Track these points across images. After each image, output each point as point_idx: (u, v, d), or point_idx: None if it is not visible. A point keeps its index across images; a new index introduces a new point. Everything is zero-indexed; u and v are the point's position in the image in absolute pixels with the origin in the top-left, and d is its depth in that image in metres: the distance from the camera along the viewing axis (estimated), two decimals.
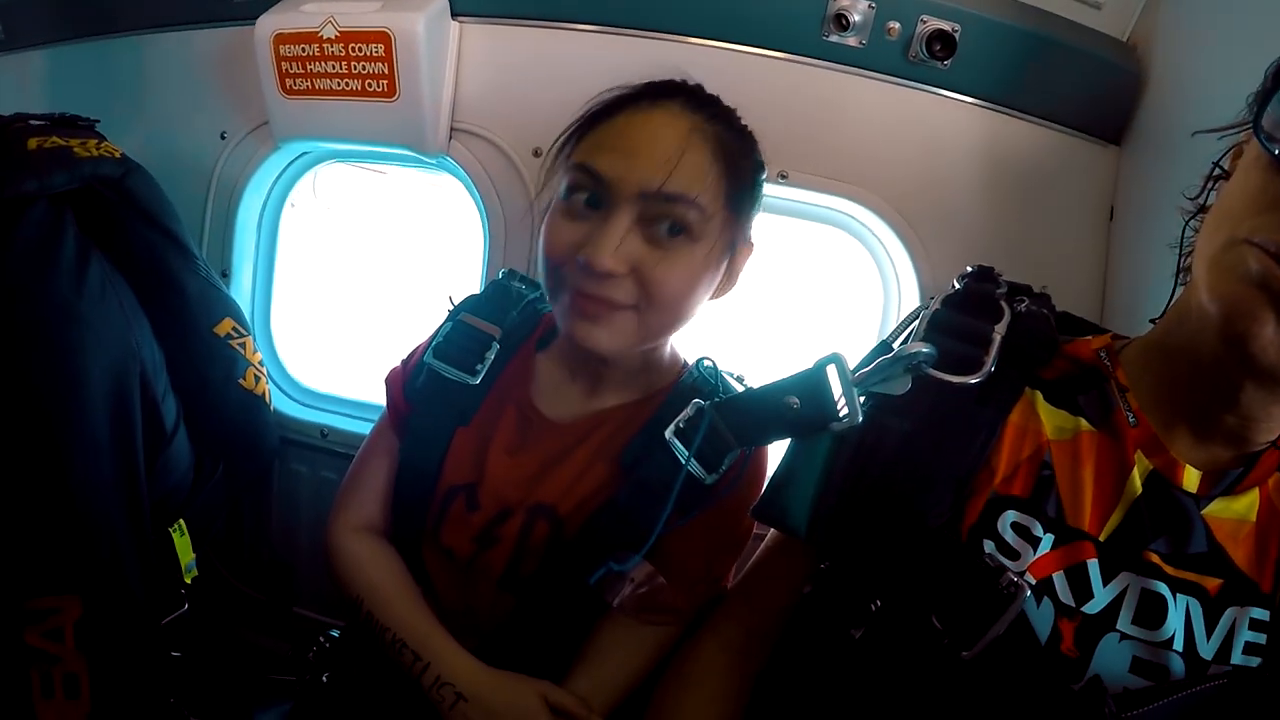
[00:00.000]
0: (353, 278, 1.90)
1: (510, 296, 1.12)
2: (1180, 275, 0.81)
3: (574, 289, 0.88)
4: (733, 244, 0.95)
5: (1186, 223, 0.78)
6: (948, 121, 1.28)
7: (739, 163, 0.92)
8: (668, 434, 0.93)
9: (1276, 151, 0.60)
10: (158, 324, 1.17)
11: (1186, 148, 0.83)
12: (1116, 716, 0.66)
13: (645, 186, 0.85)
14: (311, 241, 1.76)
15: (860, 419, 0.78)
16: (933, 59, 1.23)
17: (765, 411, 0.85)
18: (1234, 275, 0.60)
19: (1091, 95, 1.27)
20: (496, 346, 1.05)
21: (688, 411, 0.93)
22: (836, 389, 0.79)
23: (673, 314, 0.92)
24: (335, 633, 1.17)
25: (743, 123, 0.96)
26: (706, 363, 1.04)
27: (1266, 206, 0.60)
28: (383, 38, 1.28)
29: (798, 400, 0.81)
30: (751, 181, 0.95)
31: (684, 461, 0.92)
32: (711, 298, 0.97)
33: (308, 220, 1.74)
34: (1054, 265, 1.29)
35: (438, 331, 1.09)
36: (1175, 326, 0.75)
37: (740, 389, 1.04)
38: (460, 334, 1.07)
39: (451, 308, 1.11)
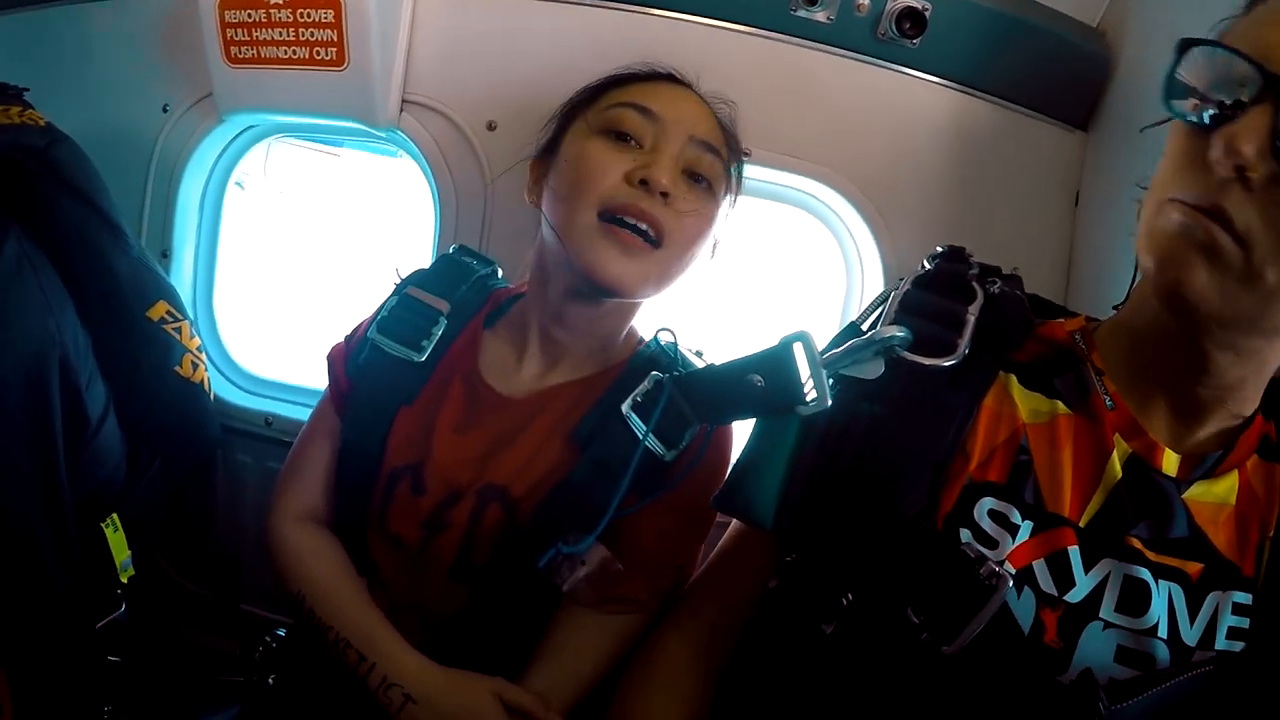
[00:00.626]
0: (303, 261, 1.81)
1: (460, 271, 1.06)
2: None
3: (620, 206, 0.87)
4: (721, 215, 0.98)
5: (1140, 205, 0.76)
6: (915, 102, 1.24)
7: (735, 146, 0.99)
8: (625, 408, 0.90)
9: (1190, 118, 0.60)
10: (84, 307, 1.08)
11: (1152, 135, 0.80)
12: (1109, 709, 0.62)
13: (695, 132, 0.91)
14: (261, 224, 1.67)
15: (829, 403, 0.73)
16: (902, 37, 1.19)
17: (727, 389, 0.79)
18: (1162, 232, 0.60)
19: (1060, 80, 1.24)
20: (444, 321, 0.99)
21: (645, 384, 0.91)
22: (804, 370, 0.74)
23: (687, 259, 0.94)
24: (283, 631, 1.09)
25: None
26: (665, 336, 0.99)
27: (1185, 166, 0.60)
28: (332, 3, 1.20)
29: (761, 379, 0.76)
30: (740, 167, 1.00)
31: (641, 437, 0.88)
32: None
33: (258, 202, 1.65)
34: (1019, 249, 1.26)
35: (383, 306, 1.02)
36: (1140, 306, 0.73)
37: (700, 364, 0.98)
38: (406, 308, 1.00)
39: (398, 281, 1.04)
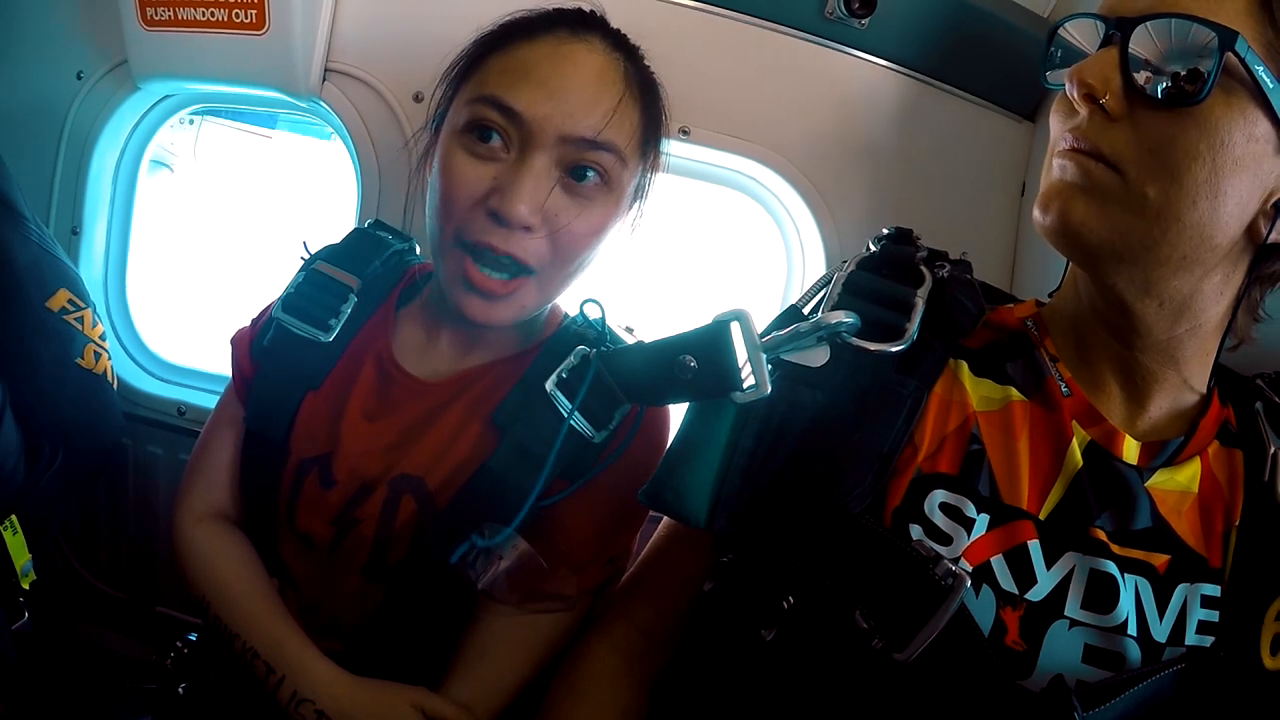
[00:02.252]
0: (231, 244, 1.67)
1: (373, 245, 0.94)
2: None
3: (475, 243, 0.75)
4: (639, 194, 0.84)
5: None
6: (862, 84, 1.16)
7: (653, 108, 0.82)
8: (549, 385, 0.79)
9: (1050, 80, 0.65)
10: None
11: None
12: (1084, 718, 0.54)
13: (569, 130, 0.73)
14: (189, 207, 1.53)
15: (769, 390, 0.64)
16: (851, 17, 1.10)
17: (657, 369, 0.69)
18: (1046, 183, 0.62)
19: (1009, 69, 1.17)
20: (354, 299, 0.88)
21: (571, 359, 0.81)
22: (740, 352, 0.65)
23: (576, 269, 0.81)
24: (194, 635, 0.97)
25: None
26: (591, 309, 0.87)
27: (1058, 124, 0.63)
28: None
29: (694, 360, 0.66)
30: (660, 129, 0.84)
31: (567, 415, 0.78)
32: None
33: (185, 184, 1.51)
34: (963, 237, 1.16)
35: (290, 283, 0.90)
36: (1071, 284, 0.71)
37: (630, 340, 0.87)
38: (313, 285, 0.89)
39: (305, 256, 0.93)
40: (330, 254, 0.92)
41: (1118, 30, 0.57)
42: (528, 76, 0.73)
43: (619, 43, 0.80)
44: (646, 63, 0.82)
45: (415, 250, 0.99)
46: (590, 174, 0.76)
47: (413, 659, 0.82)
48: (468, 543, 0.76)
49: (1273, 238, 0.60)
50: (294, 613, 0.84)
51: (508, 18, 0.79)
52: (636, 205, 0.85)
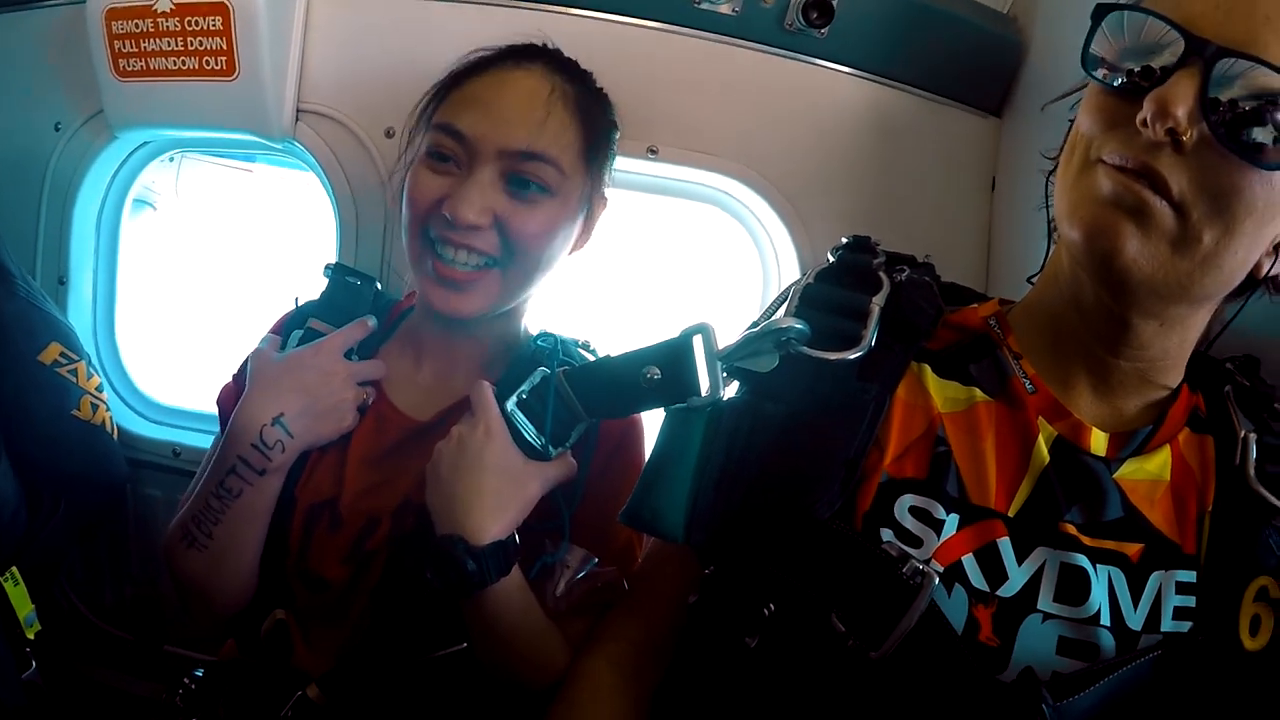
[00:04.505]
0: (215, 281, 1.70)
1: (352, 294, 1.00)
2: (1054, 234, 0.74)
3: (439, 240, 0.85)
4: (589, 198, 0.93)
5: (1047, 178, 0.72)
6: (826, 92, 1.19)
7: (596, 121, 0.91)
8: (509, 406, 0.83)
9: (1102, 75, 0.59)
10: None
11: (1064, 119, 0.77)
12: (1054, 706, 0.56)
13: (506, 145, 0.84)
14: (172, 244, 1.56)
15: (720, 395, 0.69)
16: (810, 27, 1.13)
17: (621, 382, 0.79)
18: (1090, 198, 0.58)
19: (972, 66, 1.21)
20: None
21: (533, 379, 0.85)
22: (701, 364, 0.71)
23: (533, 263, 0.89)
24: (201, 671, 0.99)
25: (597, 84, 0.95)
26: (546, 339, 0.93)
27: (1108, 125, 0.58)
28: (220, 10, 1.12)
29: (658, 371, 0.74)
30: (607, 139, 0.95)
31: (539, 448, 0.83)
32: (569, 252, 0.95)
33: (168, 222, 1.54)
34: (937, 236, 1.22)
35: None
36: (1053, 280, 0.70)
37: (588, 356, 0.94)
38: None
39: (295, 313, 0.98)
40: (318, 310, 0.98)
41: (1198, 55, 0.53)
42: (474, 103, 0.86)
43: (560, 66, 0.90)
44: (594, 83, 0.93)
45: (377, 286, 1.03)
46: (531, 182, 0.85)
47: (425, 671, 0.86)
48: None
49: (1274, 271, 0.61)
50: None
51: (468, 57, 0.90)
52: (584, 212, 0.93)
